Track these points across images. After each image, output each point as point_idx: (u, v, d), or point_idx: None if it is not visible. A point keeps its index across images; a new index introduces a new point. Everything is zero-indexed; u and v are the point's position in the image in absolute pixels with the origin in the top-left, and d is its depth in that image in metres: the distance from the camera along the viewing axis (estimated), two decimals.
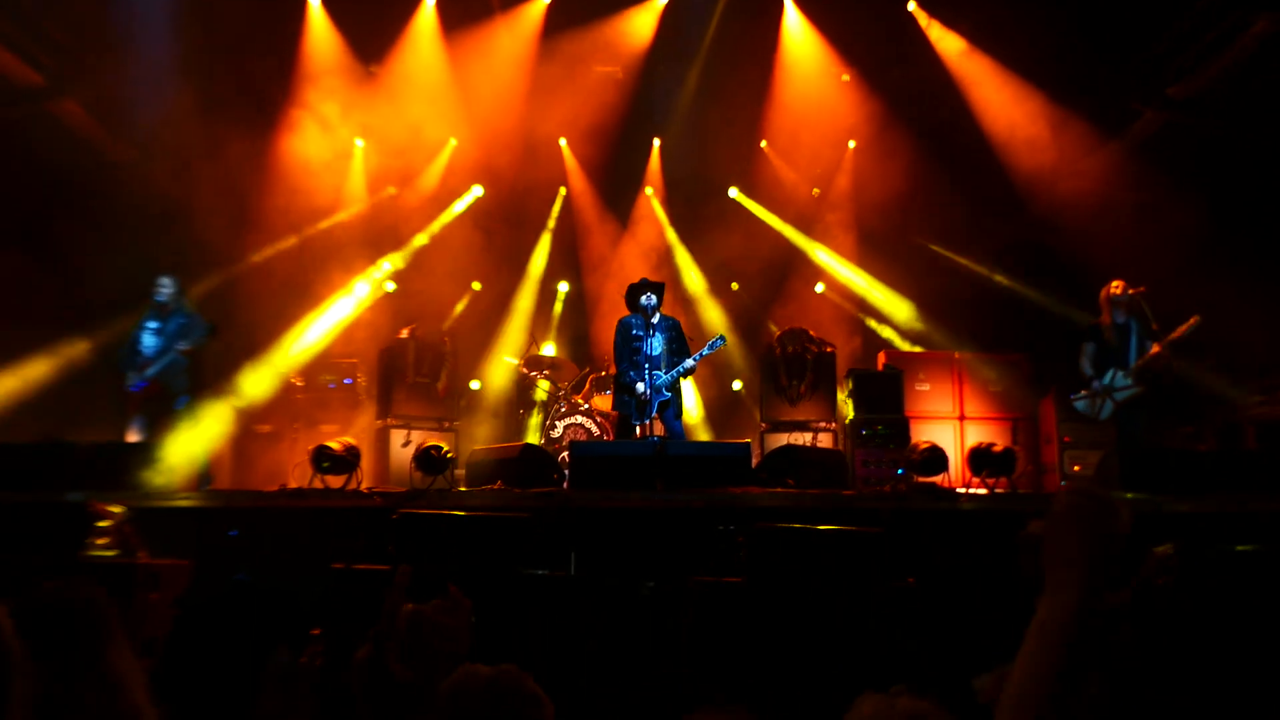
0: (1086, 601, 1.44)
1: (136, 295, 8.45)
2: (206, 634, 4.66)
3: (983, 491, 6.87)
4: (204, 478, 7.92)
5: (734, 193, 12.55)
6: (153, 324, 8.15)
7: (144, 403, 8.03)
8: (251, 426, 10.15)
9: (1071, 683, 1.40)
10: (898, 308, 11.72)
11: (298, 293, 10.93)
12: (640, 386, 8.11)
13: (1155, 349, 7.81)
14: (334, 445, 6.99)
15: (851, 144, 12.23)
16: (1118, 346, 8.10)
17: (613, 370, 9.86)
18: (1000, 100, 10.96)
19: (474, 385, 11.45)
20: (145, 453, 6.82)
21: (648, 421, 8.01)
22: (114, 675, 2.24)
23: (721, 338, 8.38)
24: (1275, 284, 8.72)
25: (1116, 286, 8.08)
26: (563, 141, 12.50)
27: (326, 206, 11.46)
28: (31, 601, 2.29)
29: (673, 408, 8.29)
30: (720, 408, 11.83)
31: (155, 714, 2.27)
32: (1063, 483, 9.19)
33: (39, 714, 1.79)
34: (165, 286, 8.20)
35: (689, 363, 8.30)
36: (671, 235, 12.61)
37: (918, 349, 11.21)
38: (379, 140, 11.71)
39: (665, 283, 8.70)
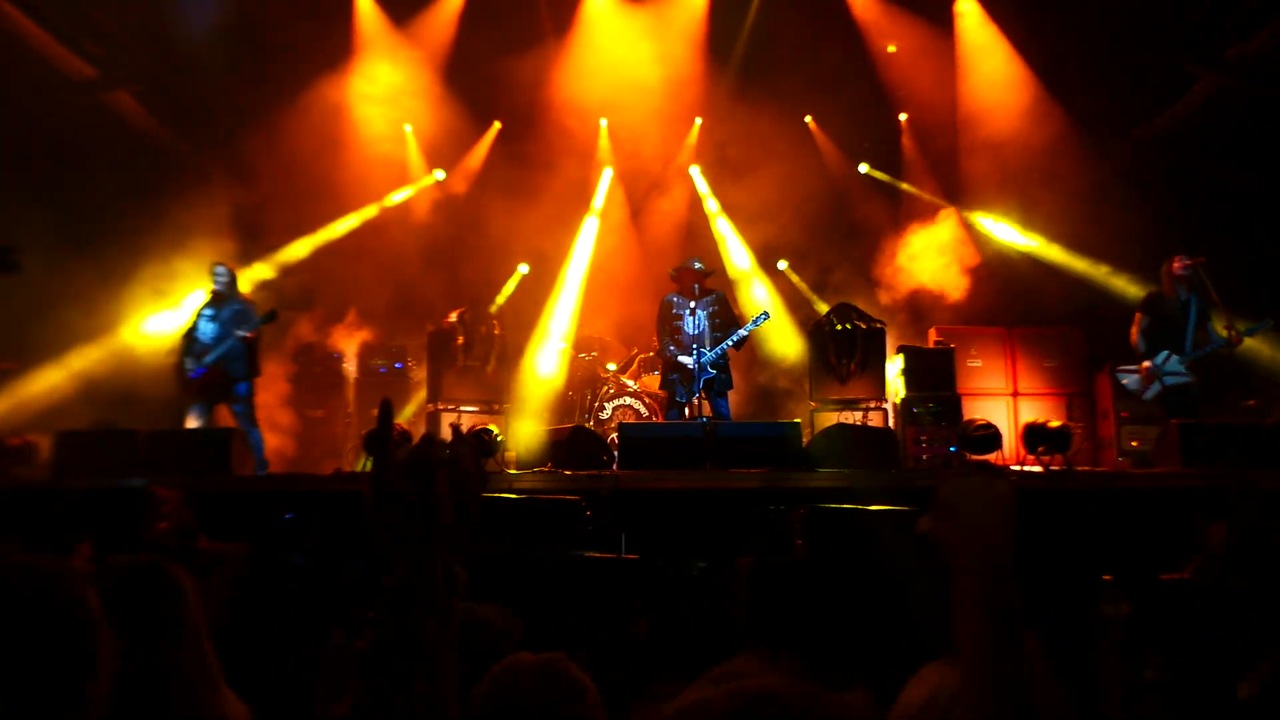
0: (997, 575, 1.46)
1: (193, 284, 8.61)
2: (263, 617, 4.74)
3: (1038, 469, 6.76)
4: (260, 462, 8.05)
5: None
6: (209, 311, 8.28)
7: (202, 389, 8.17)
8: (305, 411, 10.31)
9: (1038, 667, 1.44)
10: (950, 283, 11.54)
11: (351, 280, 11.09)
12: (686, 360, 8.11)
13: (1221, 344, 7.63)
14: None
15: (903, 117, 12.08)
16: (1175, 324, 7.89)
17: (656, 349, 9.88)
18: (1043, 66, 10.79)
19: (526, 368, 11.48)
20: (209, 440, 6.97)
21: (694, 400, 8.01)
22: (192, 656, 2.26)
23: (765, 313, 8.40)
24: None
25: (1178, 264, 7.88)
26: (604, 122, 12.48)
27: (377, 192, 11.58)
28: (115, 571, 2.32)
29: (718, 385, 8.27)
30: (769, 387, 11.76)
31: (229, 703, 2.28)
32: (1120, 458, 9.04)
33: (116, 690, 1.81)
34: (221, 275, 8.33)
35: (734, 338, 8.28)
36: (713, 212, 12.50)
37: (969, 325, 11.05)
38: (425, 124, 11.83)
39: (708, 260, 8.69)
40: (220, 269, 8.34)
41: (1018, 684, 1.39)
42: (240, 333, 8.13)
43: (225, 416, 8.34)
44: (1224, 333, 7.63)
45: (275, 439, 9.53)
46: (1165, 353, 7.86)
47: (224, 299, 8.31)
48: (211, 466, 6.62)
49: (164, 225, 9.67)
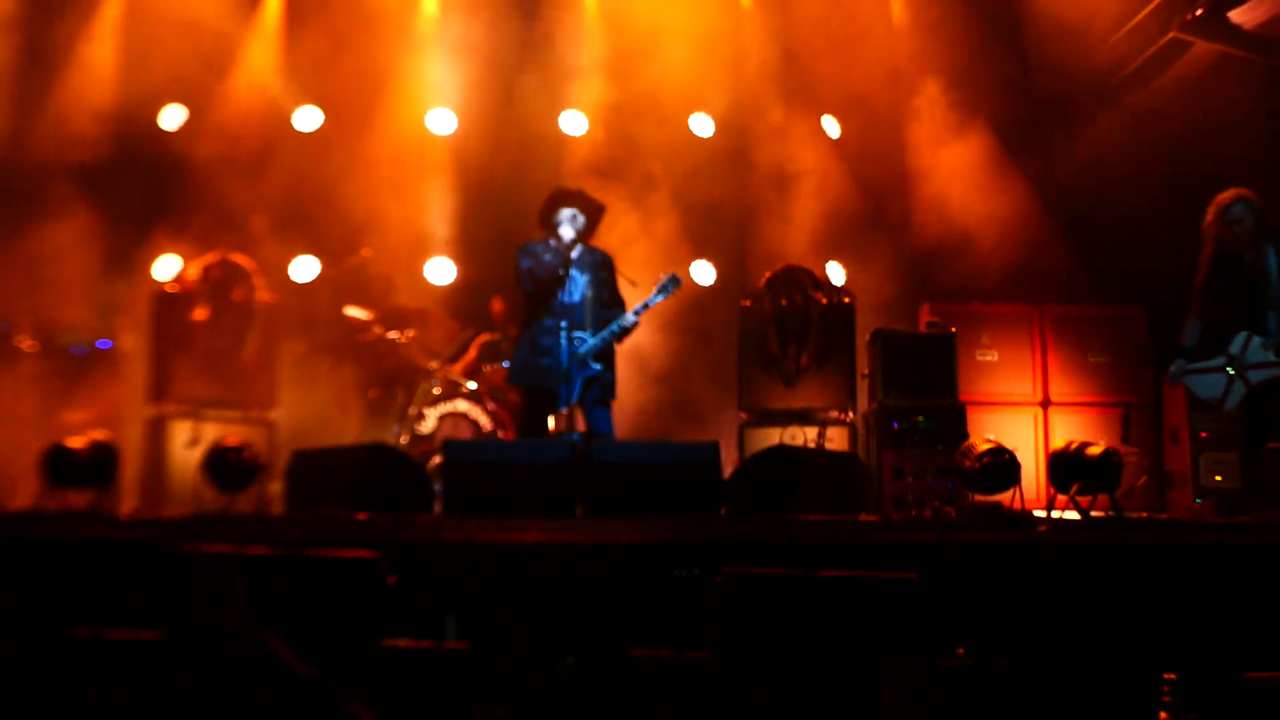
0: None
1: None
2: None
3: (1074, 516, 6.95)
4: None
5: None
6: None
7: None
8: None
9: None
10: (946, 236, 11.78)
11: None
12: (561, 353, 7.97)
13: None
14: (78, 444, 6.91)
15: None
16: (1252, 291, 7.73)
17: (512, 332, 9.80)
18: None
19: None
20: None
21: (565, 409, 7.90)
22: None
23: (675, 277, 8.36)
24: None
25: (1228, 198, 7.74)
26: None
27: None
28: None
29: (598, 387, 8.20)
30: (676, 389, 11.76)
31: None
32: (1197, 501, 9.28)
33: None
34: None
35: (628, 318, 8.25)
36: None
37: (980, 300, 11.22)
38: None
39: (602, 203, 8.59)
40: None
41: None
42: None
43: None
44: None
45: None
46: (1243, 334, 7.68)
47: None
48: None
49: None
